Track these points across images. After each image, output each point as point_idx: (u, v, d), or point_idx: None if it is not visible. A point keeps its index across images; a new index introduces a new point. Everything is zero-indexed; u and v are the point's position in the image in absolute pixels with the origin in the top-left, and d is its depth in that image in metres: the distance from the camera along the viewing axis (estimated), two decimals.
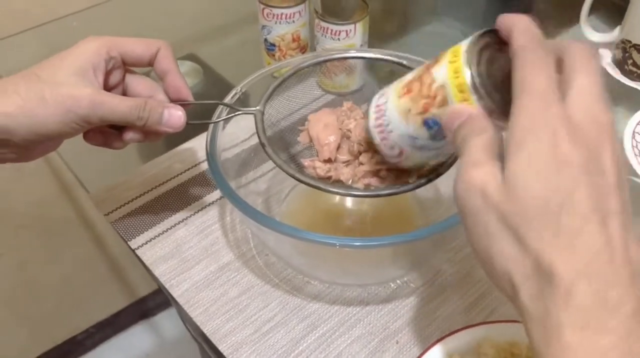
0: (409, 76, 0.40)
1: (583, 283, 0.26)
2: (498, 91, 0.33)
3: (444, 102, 0.35)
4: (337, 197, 0.58)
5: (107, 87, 0.45)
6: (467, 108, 0.33)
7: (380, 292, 0.51)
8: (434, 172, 0.46)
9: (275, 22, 0.68)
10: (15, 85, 0.40)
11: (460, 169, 0.31)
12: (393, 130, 0.41)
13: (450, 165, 0.46)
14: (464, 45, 0.35)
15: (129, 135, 0.45)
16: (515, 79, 0.30)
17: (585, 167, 0.27)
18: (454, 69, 0.34)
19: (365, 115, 0.51)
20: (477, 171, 0.30)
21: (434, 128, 0.37)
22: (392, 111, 0.40)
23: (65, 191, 1.04)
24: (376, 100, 0.43)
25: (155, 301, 1.33)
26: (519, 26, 0.31)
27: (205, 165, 0.63)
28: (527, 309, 0.27)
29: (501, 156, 0.30)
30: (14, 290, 1.10)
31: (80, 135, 0.45)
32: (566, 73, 0.30)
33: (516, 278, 0.28)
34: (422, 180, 0.45)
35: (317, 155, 0.49)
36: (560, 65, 0.30)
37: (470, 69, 0.33)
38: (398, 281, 0.52)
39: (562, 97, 0.29)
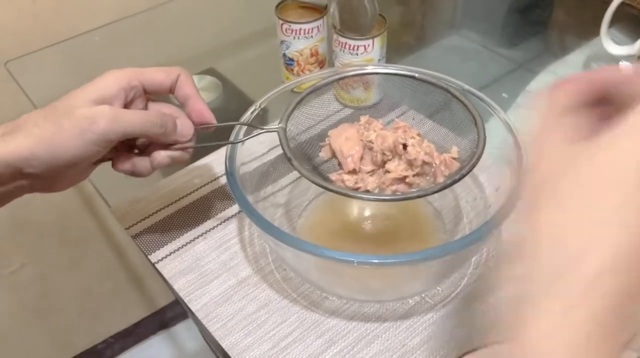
0: None
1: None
2: None
3: None
4: (356, 208, 0.59)
5: None
6: None
7: (398, 308, 0.51)
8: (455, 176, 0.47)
9: (294, 38, 0.69)
10: (35, 119, 0.41)
11: None
12: None
13: (467, 173, 0.46)
14: None
15: (158, 158, 0.46)
16: None
17: None
18: None
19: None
20: None
21: None
22: None
23: (86, 202, 1.05)
24: None
25: (174, 312, 1.34)
26: None
27: (224, 179, 0.63)
28: None
29: None
30: (35, 299, 1.12)
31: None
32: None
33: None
34: (448, 181, 0.46)
35: (341, 168, 0.50)
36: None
37: None
38: (416, 297, 0.52)
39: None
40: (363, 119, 0.51)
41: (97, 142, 0.42)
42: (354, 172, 0.48)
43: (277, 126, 0.49)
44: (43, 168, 0.41)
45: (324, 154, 0.50)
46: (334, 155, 0.49)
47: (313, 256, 0.44)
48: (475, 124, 0.49)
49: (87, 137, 0.41)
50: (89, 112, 0.41)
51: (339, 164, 0.50)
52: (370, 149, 0.48)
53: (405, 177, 0.48)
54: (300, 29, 0.68)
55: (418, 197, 0.46)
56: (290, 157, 0.47)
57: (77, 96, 0.43)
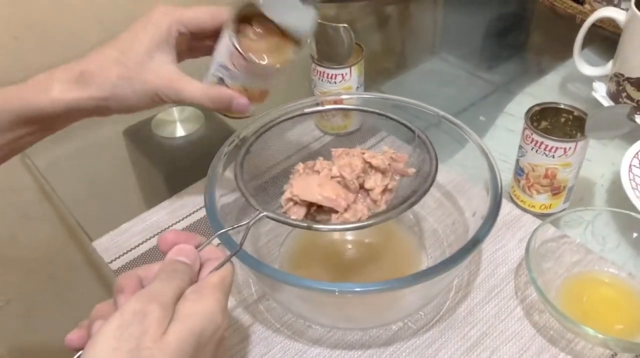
0: None
1: None
2: None
3: None
4: (337, 234, 0.59)
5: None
6: None
7: (382, 335, 0.51)
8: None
9: None
10: (108, 73, 0.48)
11: None
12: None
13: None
14: None
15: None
16: None
17: None
18: None
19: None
20: None
21: None
22: None
23: (72, 235, 1.05)
24: None
25: None
26: None
27: None
28: None
29: None
30: (22, 335, 1.10)
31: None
32: None
33: None
34: (407, 204, 0.48)
35: (313, 217, 0.49)
36: None
37: None
38: (399, 323, 0.52)
39: None
40: (300, 167, 0.51)
41: (159, 101, 0.50)
42: (348, 208, 0.48)
43: (260, 212, 0.47)
44: (114, 112, 0.50)
45: (295, 216, 0.48)
46: (308, 209, 0.48)
47: (294, 287, 0.44)
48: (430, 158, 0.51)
49: (154, 99, 0.50)
50: (156, 80, 0.49)
51: (313, 211, 0.49)
52: (339, 182, 0.49)
53: (387, 185, 0.49)
54: None
55: (404, 210, 0.48)
56: (310, 225, 0.46)
57: (138, 42, 0.49)
